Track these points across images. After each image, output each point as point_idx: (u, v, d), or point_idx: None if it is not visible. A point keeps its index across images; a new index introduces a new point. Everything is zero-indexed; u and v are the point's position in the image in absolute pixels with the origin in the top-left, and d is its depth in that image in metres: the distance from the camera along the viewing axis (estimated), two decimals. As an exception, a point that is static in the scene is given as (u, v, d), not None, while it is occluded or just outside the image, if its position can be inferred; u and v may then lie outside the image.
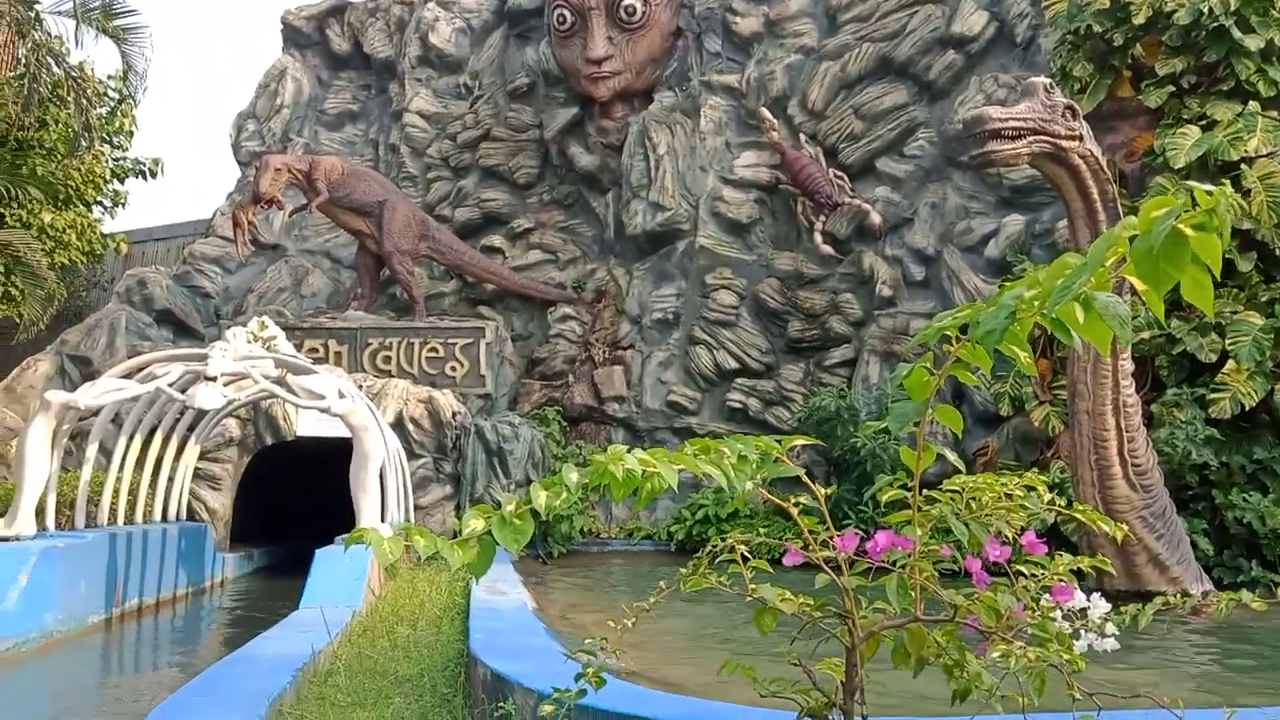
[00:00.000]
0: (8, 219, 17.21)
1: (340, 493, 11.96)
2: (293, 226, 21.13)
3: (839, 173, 17.26)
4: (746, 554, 3.09)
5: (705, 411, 17.15)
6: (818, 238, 17.06)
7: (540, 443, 16.31)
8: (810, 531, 3.01)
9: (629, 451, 2.51)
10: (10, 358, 19.31)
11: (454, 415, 16.34)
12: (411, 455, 15.51)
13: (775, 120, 17.55)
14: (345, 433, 12.22)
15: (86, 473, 11.16)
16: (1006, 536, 2.93)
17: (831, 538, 2.98)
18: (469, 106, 21.25)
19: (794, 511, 3.06)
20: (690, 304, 17.64)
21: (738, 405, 16.79)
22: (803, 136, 17.67)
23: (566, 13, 18.74)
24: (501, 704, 4.57)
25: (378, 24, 22.45)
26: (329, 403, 10.33)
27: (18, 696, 7.51)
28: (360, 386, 14.13)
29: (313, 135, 22.23)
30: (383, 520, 10.77)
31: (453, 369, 18.26)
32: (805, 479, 3.05)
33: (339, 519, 12.00)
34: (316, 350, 17.35)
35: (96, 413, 11.15)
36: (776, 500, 3.09)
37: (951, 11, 16.95)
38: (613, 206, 19.49)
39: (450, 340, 18.38)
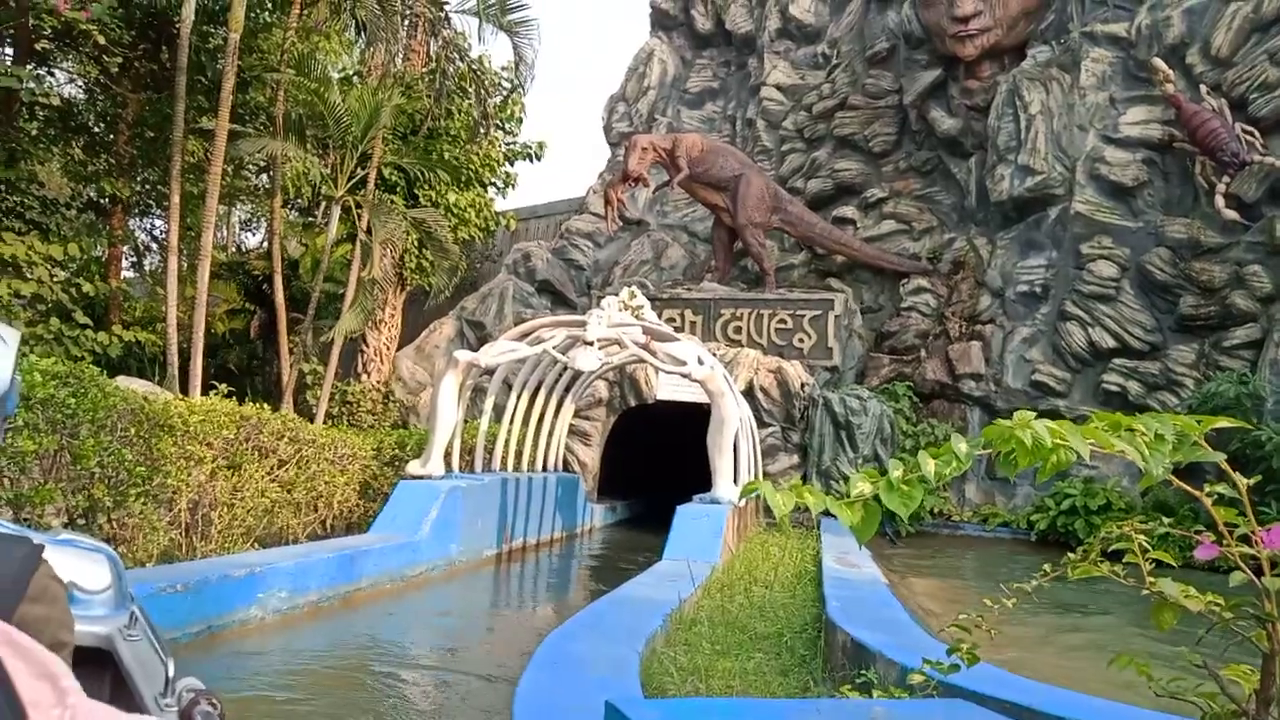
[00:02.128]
0: (421, 199, 19.80)
1: (690, 454, 12.56)
2: (655, 202, 22.33)
3: (1248, 127, 15.04)
4: (1145, 545, 2.88)
5: (1075, 393, 15.82)
6: (1220, 201, 15.01)
7: (890, 418, 15.99)
8: (1227, 525, 2.74)
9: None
10: (419, 321, 22.28)
11: (802, 386, 16.49)
12: (760, 423, 15.90)
13: (1171, 71, 15.65)
14: (699, 398, 12.81)
15: (484, 424, 12.66)
16: None
17: (1253, 532, 2.69)
18: (826, 76, 21.14)
19: (1208, 502, 2.80)
20: (1062, 276, 16.32)
21: (1115, 388, 15.31)
22: (1203, 88, 15.58)
23: (932, -30, 17.99)
24: (864, 671, 4.61)
25: (739, 0, 22.96)
26: (690, 368, 10.85)
27: (430, 614, 8.74)
28: (714, 355, 14.69)
29: (675, 114, 23.28)
30: (735, 483, 11.16)
31: (800, 340, 18.37)
32: (1225, 467, 2.76)
33: (690, 479, 12.63)
34: (674, 320, 18.24)
35: (492, 371, 12.57)
36: (1188, 489, 2.84)
37: None
38: (975, 172, 18.50)
39: (799, 312, 18.49)
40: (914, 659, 4.20)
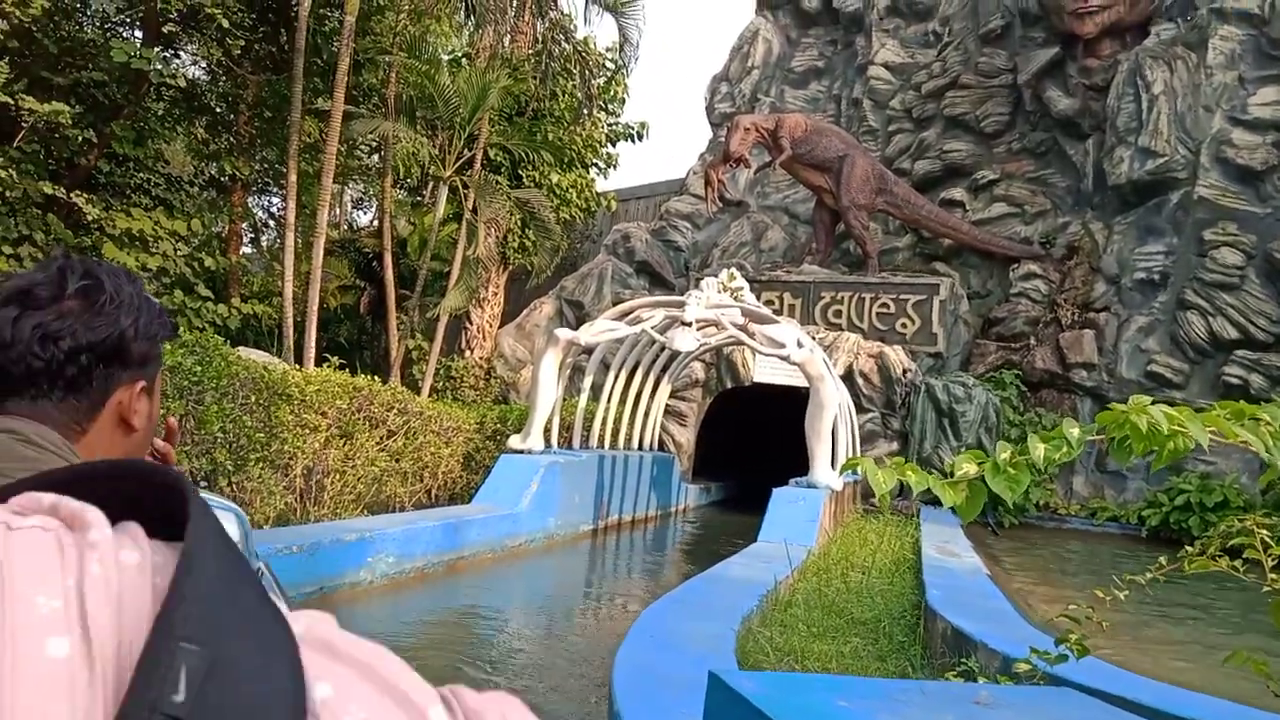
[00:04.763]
0: (524, 179, 20.10)
1: (786, 438, 12.47)
2: (755, 184, 22.16)
3: (1395, 106, 14.12)
4: (1268, 540, 2.79)
5: (1194, 386, 15.14)
6: (1361, 186, 14.15)
7: (995, 406, 15.59)
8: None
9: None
10: (520, 300, 22.65)
11: (904, 372, 16.20)
12: (859, 409, 15.70)
13: (1311, 46, 14.76)
14: (797, 382, 12.72)
15: (582, 402, 12.85)
16: None
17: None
18: (937, 54, 20.59)
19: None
20: (1182, 263, 15.60)
21: (1236, 381, 14.59)
22: (1347, 64, 14.66)
23: (1052, -55, 17.32)
24: (964, 660, 4.56)
25: (846, -23, 22.53)
26: (789, 351, 10.78)
27: (530, 583, 8.98)
28: (813, 339, 14.55)
29: (779, 94, 23.01)
30: (833, 468, 11.07)
31: (903, 325, 18.02)
32: (1361, 461, 2.65)
33: (785, 463, 12.57)
34: (772, 303, 18.10)
35: (591, 350, 12.73)
36: (1317, 483, 2.73)
37: None
38: (1092, 154, 17.80)
39: (902, 296, 18.13)
40: (1017, 649, 4.14)
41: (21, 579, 0.43)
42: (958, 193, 19.52)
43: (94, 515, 0.47)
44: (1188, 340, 15.23)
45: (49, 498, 0.49)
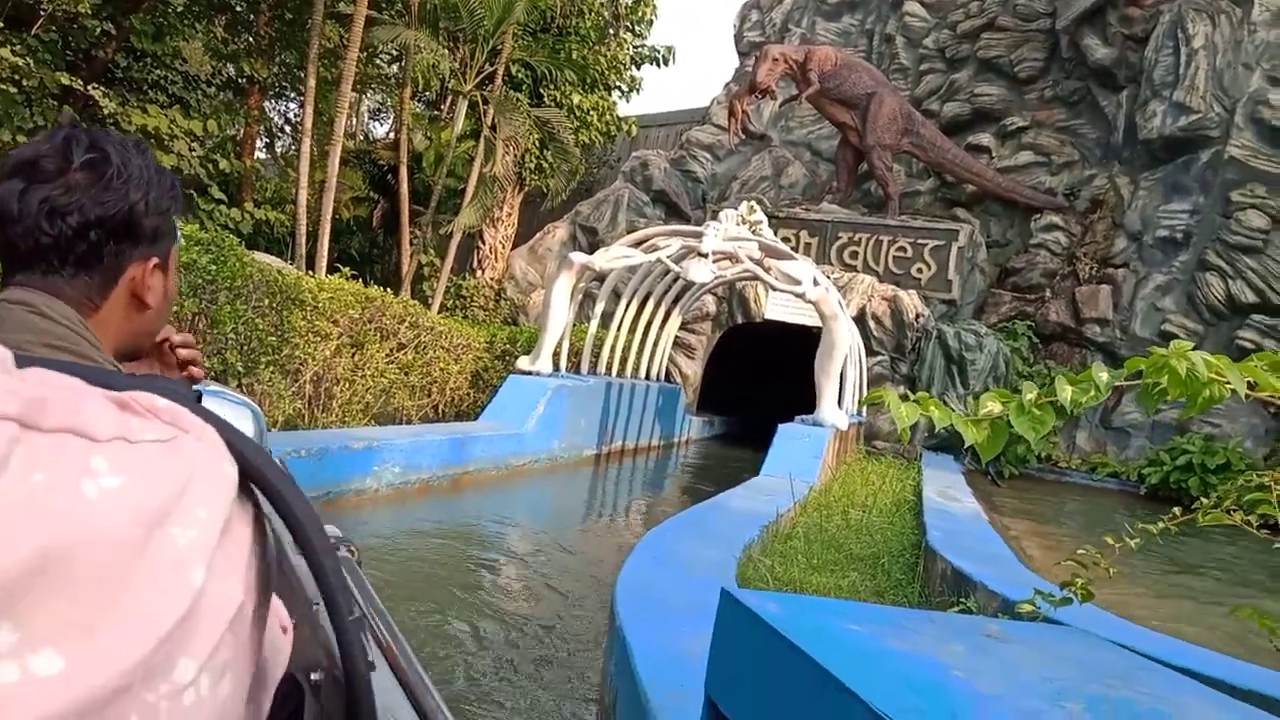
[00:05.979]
0: (545, 99, 19.76)
1: (792, 376, 12.45)
2: (779, 118, 21.78)
3: None
4: (1286, 497, 2.78)
5: (1205, 348, 14.63)
6: (1399, 154, 13.85)
7: (1005, 357, 15.53)
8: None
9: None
10: (534, 223, 22.47)
11: (917, 317, 16.10)
12: (869, 352, 15.65)
13: (1362, 6, 14.32)
14: (808, 320, 12.67)
15: (592, 328, 12.83)
16: None
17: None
18: (975, -7, 20.05)
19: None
20: (1206, 223, 15.38)
21: (1249, 345, 14.48)
22: (1398, 27, 14.24)
23: (1102, -116, 16.71)
24: (963, 600, 4.60)
25: (887, -93, 21.82)
26: (804, 289, 10.70)
27: (532, 502, 9.07)
28: (828, 278, 14.44)
29: (810, 25, 22.49)
30: (840, 408, 11.08)
31: (919, 270, 17.88)
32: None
33: (790, 400, 12.59)
34: (788, 240, 17.92)
35: (603, 277, 12.66)
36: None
37: None
38: (1125, 106, 17.43)
39: (920, 241, 17.95)
40: (1016, 591, 4.17)
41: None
42: (985, 138, 19.19)
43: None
44: (1204, 302, 15.11)
45: (164, 404, 0.57)
